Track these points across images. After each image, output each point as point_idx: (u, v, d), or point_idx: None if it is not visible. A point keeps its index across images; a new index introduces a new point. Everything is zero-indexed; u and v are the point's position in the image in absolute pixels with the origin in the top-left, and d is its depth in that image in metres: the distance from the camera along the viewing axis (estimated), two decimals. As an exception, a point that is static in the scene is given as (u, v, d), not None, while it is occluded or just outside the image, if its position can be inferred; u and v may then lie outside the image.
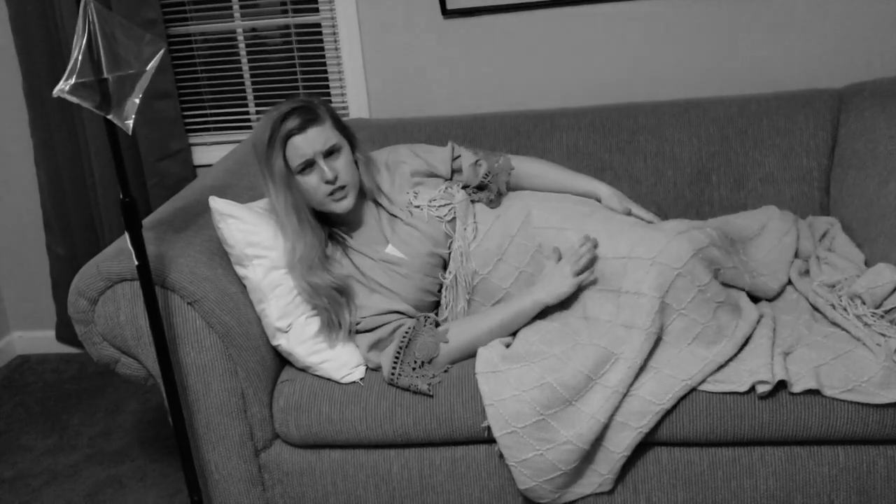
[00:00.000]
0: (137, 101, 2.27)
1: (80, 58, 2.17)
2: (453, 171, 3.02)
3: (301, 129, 2.66)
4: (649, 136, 3.49)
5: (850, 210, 3.15)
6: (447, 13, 3.84)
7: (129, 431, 3.89)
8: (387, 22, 3.92)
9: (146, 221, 2.76)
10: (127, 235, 2.38)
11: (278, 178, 2.67)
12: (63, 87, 2.18)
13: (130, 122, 2.26)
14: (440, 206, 2.86)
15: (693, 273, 2.56)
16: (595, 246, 2.70)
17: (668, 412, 2.50)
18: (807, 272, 2.98)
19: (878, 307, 2.59)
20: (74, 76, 2.17)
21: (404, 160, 2.98)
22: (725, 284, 2.72)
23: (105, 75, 2.22)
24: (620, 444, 2.51)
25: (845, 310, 2.65)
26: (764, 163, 3.40)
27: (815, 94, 3.46)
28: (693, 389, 2.50)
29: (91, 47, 2.18)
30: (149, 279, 2.42)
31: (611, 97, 3.80)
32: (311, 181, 2.70)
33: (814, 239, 3.11)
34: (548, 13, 3.79)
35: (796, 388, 2.42)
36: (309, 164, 2.69)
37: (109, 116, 2.25)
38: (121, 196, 2.36)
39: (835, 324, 2.65)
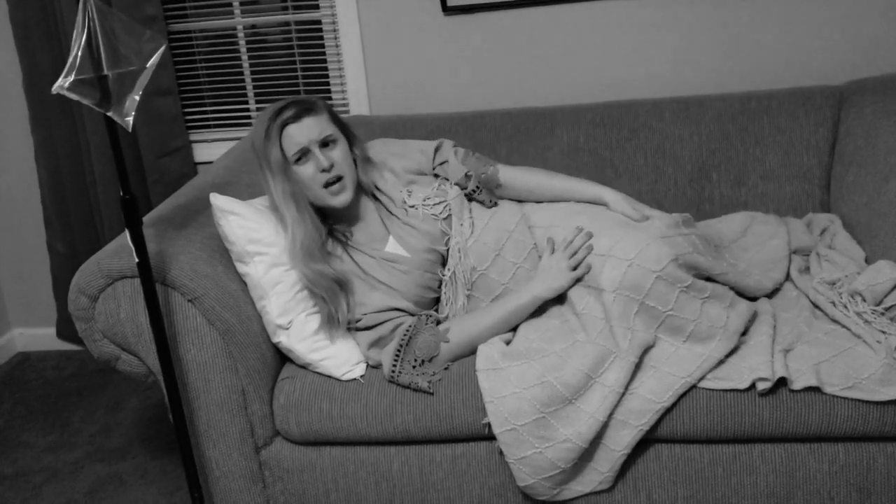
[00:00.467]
0: (138, 97, 2.27)
1: (79, 54, 2.17)
2: (437, 176, 2.99)
3: (296, 117, 2.67)
4: (650, 133, 3.49)
5: (850, 207, 3.15)
6: (447, 10, 3.84)
7: (129, 428, 3.89)
8: (387, 19, 3.92)
9: (146, 218, 2.77)
10: (127, 232, 2.38)
11: (276, 169, 2.68)
12: (62, 83, 2.17)
13: (130, 119, 2.25)
14: (435, 204, 2.86)
15: (673, 276, 2.56)
16: (589, 236, 2.72)
17: (669, 410, 2.50)
18: (807, 269, 2.98)
19: (878, 304, 2.59)
20: (74, 73, 2.17)
21: (386, 158, 2.96)
22: (710, 280, 2.72)
23: (105, 72, 2.21)
24: (620, 442, 2.51)
25: (846, 307, 2.65)
26: (764, 160, 3.41)
27: (816, 91, 3.46)
28: (693, 387, 2.50)
29: (91, 44, 2.18)
30: (149, 276, 2.42)
31: (611, 94, 3.81)
32: (306, 171, 2.70)
33: (813, 234, 3.12)
34: (548, 10, 3.78)
35: (796, 386, 2.42)
36: (304, 153, 2.69)
37: (109, 113, 2.25)
38: (121, 193, 2.36)
39: (835, 321, 2.65)
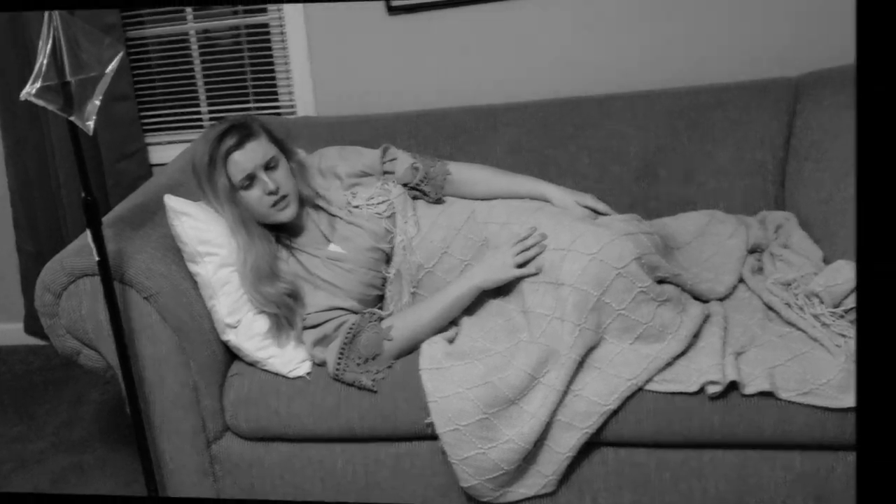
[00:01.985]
0: (98, 102, 2.32)
1: (45, 62, 2.22)
2: (385, 173, 3.04)
3: (239, 144, 2.70)
4: (593, 131, 3.46)
5: (806, 204, 3.11)
6: (392, 10, 3.83)
7: (90, 422, 3.94)
8: (333, 20, 3.92)
9: (106, 219, 2.81)
10: (88, 232, 2.43)
11: (223, 196, 2.72)
12: (29, 90, 2.23)
13: (91, 123, 2.31)
14: (379, 203, 2.89)
15: (634, 275, 2.54)
16: (543, 237, 2.71)
17: (615, 412, 2.46)
18: (760, 269, 2.94)
19: (836, 306, 2.54)
20: (40, 80, 2.23)
21: (337, 163, 3.01)
22: (668, 282, 2.70)
23: (68, 78, 2.27)
24: (565, 444, 2.49)
25: (801, 309, 2.61)
26: (715, 156, 3.35)
27: (770, 84, 3.39)
28: (640, 389, 2.46)
29: (55, 52, 2.23)
30: (108, 274, 2.47)
31: (556, 91, 3.75)
32: (254, 194, 2.74)
33: (768, 233, 3.06)
34: (492, 7, 3.76)
35: (749, 390, 2.38)
36: (250, 179, 2.73)
37: (72, 118, 2.30)
38: (83, 195, 2.40)
39: (790, 323, 2.60)
